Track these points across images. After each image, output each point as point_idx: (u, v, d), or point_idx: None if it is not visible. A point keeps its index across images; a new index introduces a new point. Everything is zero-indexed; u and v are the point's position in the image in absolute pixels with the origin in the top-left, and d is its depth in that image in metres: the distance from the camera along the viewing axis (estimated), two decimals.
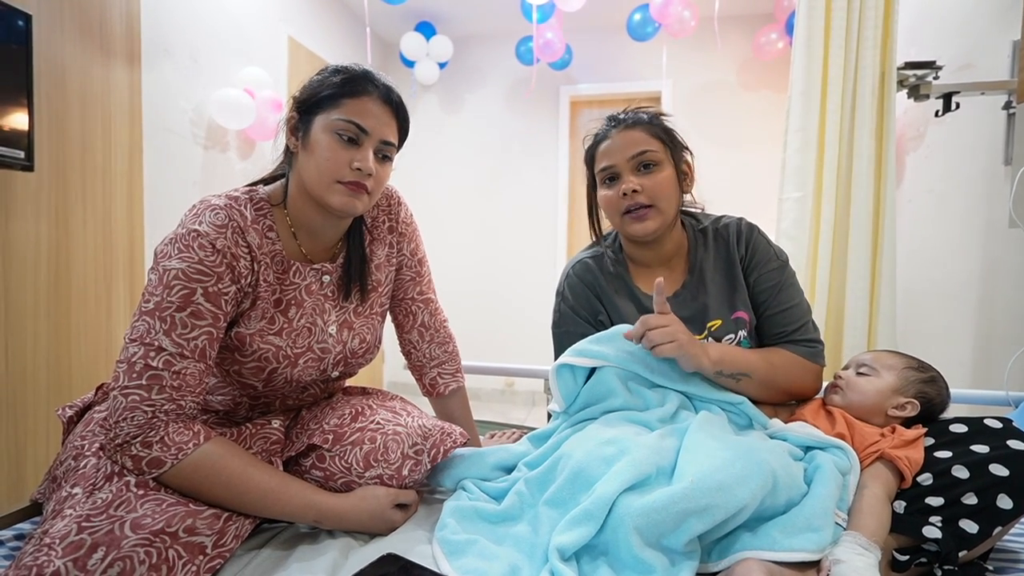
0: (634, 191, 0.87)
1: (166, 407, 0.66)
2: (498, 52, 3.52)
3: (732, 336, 0.91)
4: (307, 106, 0.78)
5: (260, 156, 2.38)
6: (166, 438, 0.65)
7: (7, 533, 0.74)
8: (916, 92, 1.63)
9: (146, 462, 0.64)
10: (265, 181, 0.85)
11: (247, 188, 0.82)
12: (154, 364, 0.66)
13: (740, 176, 3.12)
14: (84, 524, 0.56)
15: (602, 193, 0.93)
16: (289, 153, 0.82)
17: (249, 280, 0.75)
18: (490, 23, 3.40)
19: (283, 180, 0.83)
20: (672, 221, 0.92)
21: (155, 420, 0.65)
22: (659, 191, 0.87)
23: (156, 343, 0.66)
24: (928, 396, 0.83)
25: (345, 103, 0.76)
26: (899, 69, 1.63)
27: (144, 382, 0.65)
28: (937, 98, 1.60)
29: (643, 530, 0.62)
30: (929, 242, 1.94)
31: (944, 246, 1.85)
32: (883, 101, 1.62)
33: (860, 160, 1.64)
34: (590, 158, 0.96)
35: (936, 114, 1.64)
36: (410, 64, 3.35)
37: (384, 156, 0.81)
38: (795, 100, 1.69)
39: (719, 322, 0.91)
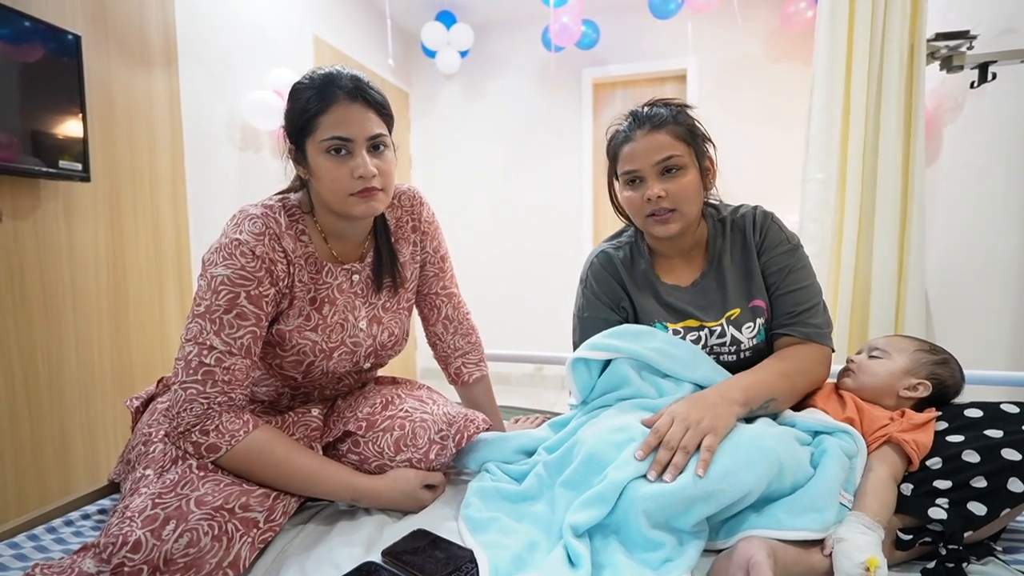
0: (659, 197, 0.88)
1: (219, 399, 0.74)
2: (519, 38, 3.50)
3: (751, 324, 0.92)
4: (295, 136, 0.82)
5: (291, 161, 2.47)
6: (220, 426, 0.73)
7: (92, 508, 0.85)
8: (949, 64, 1.55)
9: (204, 447, 0.73)
10: (293, 189, 0.92)
11: (280, 196, 0.89)
12: (207, 361, 0.74)
13: (770, 153, 3.04)
14: (157, 501, 0.65)
15: (626, 194, 0.94)
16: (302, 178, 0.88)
17: (286, 282, 0.82)
18: (510, 9, 3.38)
19: (307, 190, 0.89)
20: (695, 221, 0.94)
21: (210, 411, 0.73)
22: (682, 196, 0.88)
23: (208, 342, 0.74)
24: (940, 378, 0.83)
25: (321, 121, 0.79)
26: (929, 41, 1.55)
27: (199, 377, 0.73)
28: (972, 68, 1.52)
29: (652, 513, 0.66)
30: (967, 218, 1.87)
31: (983, 222, 1.78)
32: (912, 75, 1.56)
33: (887, 138, 1.58)
34: (613, 155, 0.97)
35: (972, 85, 1.56)
36: (431, 54, 3.38)
37: (378, 147, 0.82)
38: (818, 77, 1.63)
39: (738, 311, 0.92)
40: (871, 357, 0.88)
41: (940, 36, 1.55)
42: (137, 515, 0.62)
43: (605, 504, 0.68)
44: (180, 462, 0.72)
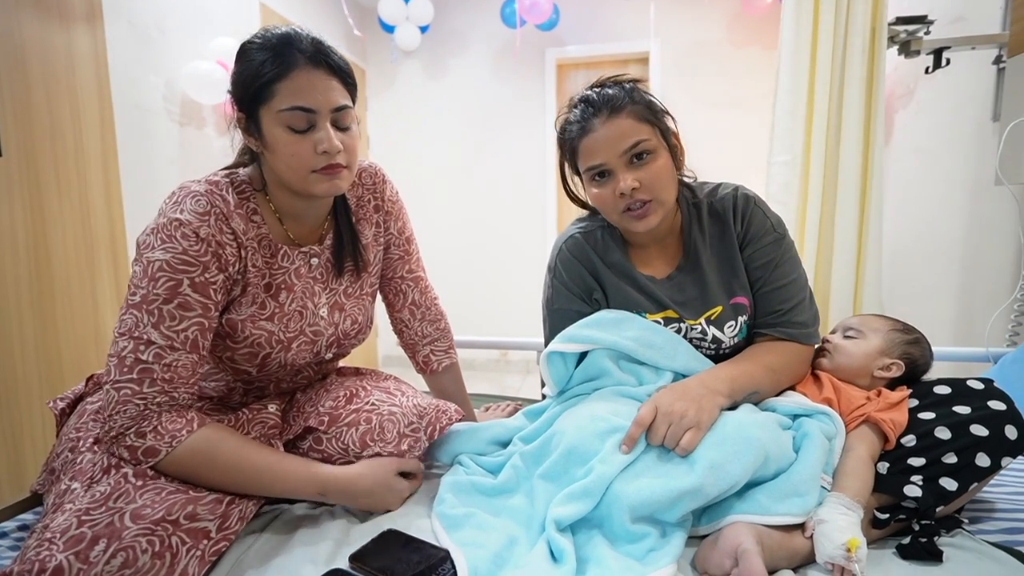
0: (633, 189, 0.79)
1: (158, 399, 0.66)
2: (481, 14, 3.39)
3: (732, 323, 0.87)
4: (246, 103, 0.73)
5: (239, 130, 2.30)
6: (159, 427, 0.65)
7: (10, 524, 0.74)
8: (907, 48, 1.59)
9: (141, 451, 0.65)
10: (242, 164, 0.83)
11: (226, 172, 0.80)
12: (144, 358, 0.65)
13: (731, 137, 3.08)
14: (84, 518, 0.56)
15: (593, 191, 0.84)
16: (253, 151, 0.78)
17: (237, 267, 0.74)
18: None
19: (258, 165, 0.80)
20: (673, 207, 0.87)
21: (147, 412, 0.65)
22: (658, 183, 0.80)
23: (145, 336, 0.65)
24: (912, 357, 0.85)
25: (279, 88, 0.70)
26: (890, 25, 1.59)
27: (135, 376, 0.65)
28: (928, 54, 1.57)
29: (637, 508, 0.64)
30: (917, 201, 1.95)
31: (931, 205, 1.86)
32: (873, 58, 1.59)
33: (849, 121, 1.62)
34: (571, 149, 0.86)
35: (927, 71, 1.61)
36: (390, 29, 3.22)
37: (343, 120, 0.75)
38: (784, 60, 1.65)
39: (719, 309, 0.87)
40: (846, 337, 0.88)
41: (900, 20, 1.59)
42: (59, 536, 0.54)
43: (591, 498, 0.65)
44: (113, 471, 0.64)
